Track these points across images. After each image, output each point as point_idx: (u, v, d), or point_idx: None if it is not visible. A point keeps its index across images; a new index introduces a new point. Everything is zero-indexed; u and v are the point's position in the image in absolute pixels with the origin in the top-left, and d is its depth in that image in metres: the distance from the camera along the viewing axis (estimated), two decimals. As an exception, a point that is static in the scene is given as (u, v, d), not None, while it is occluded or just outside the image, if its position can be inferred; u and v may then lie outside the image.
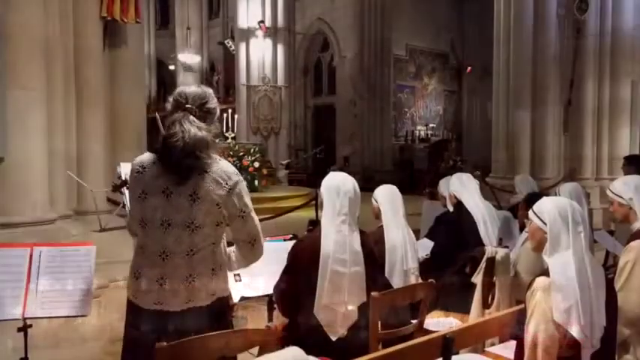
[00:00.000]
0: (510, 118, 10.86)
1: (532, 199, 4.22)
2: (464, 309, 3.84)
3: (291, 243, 3.77)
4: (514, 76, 10.72)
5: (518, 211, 4.45)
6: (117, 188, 3.12)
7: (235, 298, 3.31)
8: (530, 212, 2.81)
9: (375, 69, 20.62)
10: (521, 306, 2.70)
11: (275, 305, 3.58)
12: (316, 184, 8.42)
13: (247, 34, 18.10)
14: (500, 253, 3.45)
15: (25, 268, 2.76)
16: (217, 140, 2.51)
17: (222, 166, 2.46)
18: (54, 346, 4.15)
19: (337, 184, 3.11)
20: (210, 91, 2.58)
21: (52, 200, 4.44)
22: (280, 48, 18.37)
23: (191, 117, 2.41)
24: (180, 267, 2.40)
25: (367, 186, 9.25)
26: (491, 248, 3.53)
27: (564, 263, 2.55)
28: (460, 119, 25.26)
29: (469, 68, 24.32)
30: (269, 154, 16.71)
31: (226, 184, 2.42)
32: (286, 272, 3.16)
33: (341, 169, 18.85)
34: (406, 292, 3.03)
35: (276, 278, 3.44)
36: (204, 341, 2.08)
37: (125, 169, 3.36)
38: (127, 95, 5.62)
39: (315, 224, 3.59)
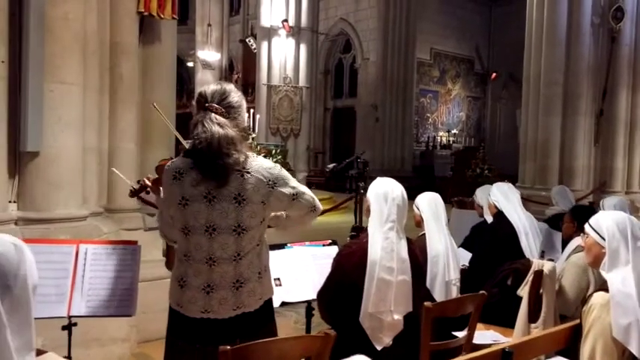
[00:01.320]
0: (540, 126, 10.75)
1: (578, 211, 4.21)
2: (504, 322, 3.81)
3: (331, 249, 3.80)
4: (545, 84, 10.61)
5: (562, 223, 4.41)
6: (135, 193, 3.05)
7: (276, 303, 3.31)
8: (586, 226, 2.79)
9: (398, 72, 20.64)
10: (577, 321, 2.69)
11: (314, 312, 3.61)
12: (358, 188, 8.41)
13: (270, 33, 18.22)
14: (547, 266, 3.43)
15: (71, 265, 2.77)
16: (245, 134, 2.49)
17: (260, 163, 2.45)
18: (83, 346, 4.17)
19: (386, 191, 3.12)
20: (230, 86, 2.55)
21: (84, 197, 4.45)
22: (303, 48, 18.47)
23: (212, 115, 2.39)
24: (228, 273, 2.40)
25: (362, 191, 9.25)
26: (538, 261, 3.51)
27: (624, 279, 2.54)
28: (483, 126, 25.21)
29: (494, 74, 24.31)
30: (288, 156, 16.77)
31: (269, 180, 2.42)
32: (331, 278, 3.15)
33: (360, 174, 18.83)
34: (458, 303, 3.02)
35: (316, 284, 3.45)
36: (266, 346, 2.09)
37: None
38: (158, 93, 5.61)
39: (358, 230, 3.60)
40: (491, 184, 9.44)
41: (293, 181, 2.52)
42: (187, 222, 2.39)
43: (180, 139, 3.64)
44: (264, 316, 2.52)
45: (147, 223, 3.54)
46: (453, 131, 23.81)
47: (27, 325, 1.57)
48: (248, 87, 23.08)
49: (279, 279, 3.46)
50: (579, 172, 10.57)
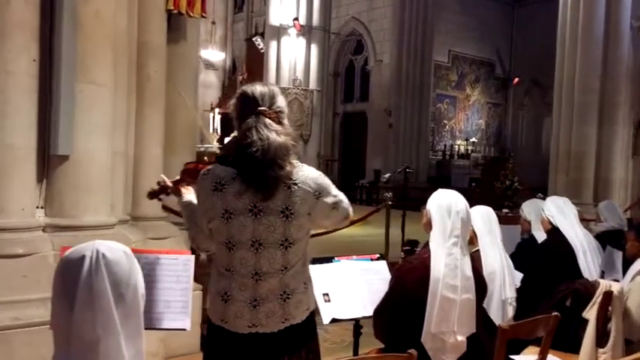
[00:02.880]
0: (574, 136, 10.78)
1: (643, 228, 4.26)
2: (563, 346, 3.84)
3: (379, 263, 3.84)
4: (579, 91, 10.67)
5: (625, 241, 4.45)
6: (155, 195, 3.00)
7: (325, 320, 3.36)
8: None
9: (413, 76, 20.74)
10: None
11: (362, 330, 3.66)
12: (386, 199, 8.43)
13: (279, 32, 18.27)
14: (616, 287, 3.47)
15: (124, 276, 2.79)
16: (295, 143, 2.47)
17: (307, 172, 2.45)
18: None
19: (449, 203, 3.16)
20: (276, 88, 2.56)
21: (111, 204, 4.51)
22: (314, 48, 18.50)
23: (267, 120, 2.38)
24: (274, 286, 2.43)
25: (399, 204, 9.17)
26: (605, 281, 3.56)
27: None
28: (504, 135, 25.29)
29: (516, 79, 24.40)
30: (298, 163, 16.79)
31: (315, 191, 2.43)
32: (391, 294, 3.21)
33: (371, 184, 18.69)
34: (533, 325, 3.05)
35: (365, 301, 3.50)
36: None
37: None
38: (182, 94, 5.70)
39: (413, 244, 3.63)
40: (523, 197, 9.47)
41: (334, 189, 2.53)
42: (232, 236, 2.40)
43: (210, 139, 3.68)
44: (309, 330, 2.57)
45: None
46: (471, 140, 23.89)
47: (138, 334, 1.65)
48: (252, 89, 23.07)
49: (327, 294, 3.51)
50: (616, 185, 10.64)
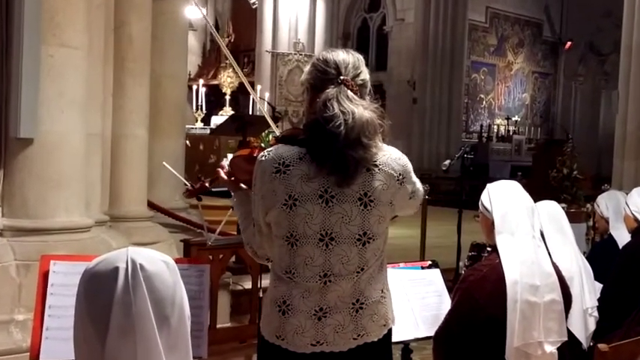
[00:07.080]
0: (645, 115, 10.74)
1: None
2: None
3: (431, 272, 3.83)
4: (653, 58, 10.62)
5: None
6: (193, 194, 3.10)
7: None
8: None
9: (443, 39, 20.70)
10: None
11: (412, 355, 3.63)
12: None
13: (276, -17, 18.22)
14: None
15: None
16: (383, 122, 2.46)
17: (390, 154, 2.48)
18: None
19: (507, 194, 3.28)
20: (360, 56, 2.58)
21: (86, 200, 4.45)
22: (320, 4, 18.43)
23: (349, 92, 2.41)
24: (346, 292, 2.42)
25: (439, 198, 9.09)
26: None
27: None
28: (553, 112, 25.22)
29: (569, 43, 24.34)
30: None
31: (399, 174, 2.46)
32: (458, 312, 3.20)
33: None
34: (637, 346, 3.01)
35: (417, 318, 3.53)
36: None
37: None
38: (170, 62, 5.65)
39: (480, 248, 3.62)
40: (583, 188, 9.36)
41: (413, 174, 2.56)
42: (295, 228, 2.39)
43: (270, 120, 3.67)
44: (386, 352, 2.56)
45: (209, 236, 3.45)
46: (513, 118, 23.82)
47: None
48: (240, 55, 23.04)
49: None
50: (699, 174, 10.58)
